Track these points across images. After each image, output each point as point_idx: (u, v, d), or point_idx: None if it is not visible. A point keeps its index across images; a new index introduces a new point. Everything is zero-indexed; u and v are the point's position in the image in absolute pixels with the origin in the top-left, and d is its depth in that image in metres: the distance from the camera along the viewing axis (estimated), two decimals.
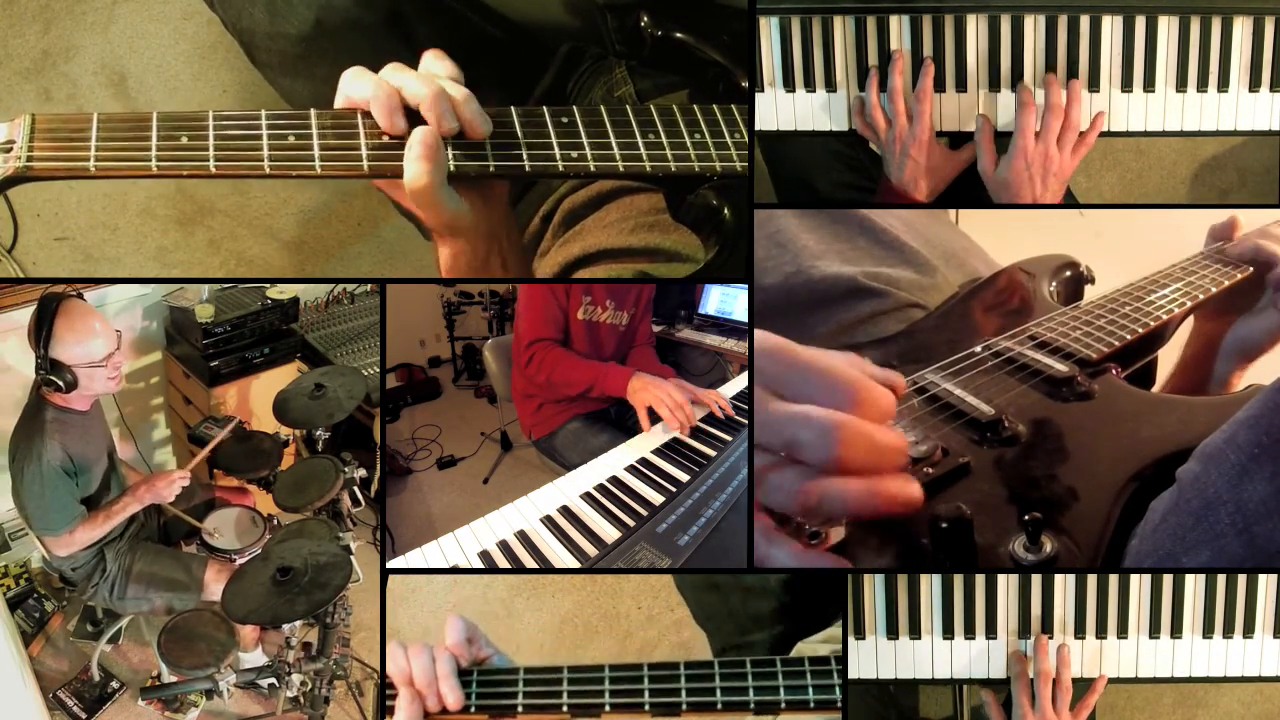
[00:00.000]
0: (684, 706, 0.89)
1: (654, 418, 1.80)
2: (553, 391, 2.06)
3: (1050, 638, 1.34)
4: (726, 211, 1.18)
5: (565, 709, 0.90)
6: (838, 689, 0.90)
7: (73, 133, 0.97)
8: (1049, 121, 1.31)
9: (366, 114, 1.04)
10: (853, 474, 0.74)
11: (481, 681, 0.91)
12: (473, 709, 0.90)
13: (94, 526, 1.76)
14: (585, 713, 0.90)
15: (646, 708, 0.89)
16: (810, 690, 0.90)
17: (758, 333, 0.80)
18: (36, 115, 0.98)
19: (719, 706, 0.89)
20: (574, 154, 1.08)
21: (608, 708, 0.89)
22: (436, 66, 1.08)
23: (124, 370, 2.35)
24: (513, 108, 1.11)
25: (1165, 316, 1.22)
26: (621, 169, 1.10)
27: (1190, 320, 1.36)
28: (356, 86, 1.05)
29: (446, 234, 1.09)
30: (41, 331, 1.65)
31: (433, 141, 1.01)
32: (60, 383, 1.66)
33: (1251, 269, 1.31)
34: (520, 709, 0.90)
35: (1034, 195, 1.31)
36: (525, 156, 1.07)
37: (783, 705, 0.89)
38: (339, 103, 1.07)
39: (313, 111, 1.04)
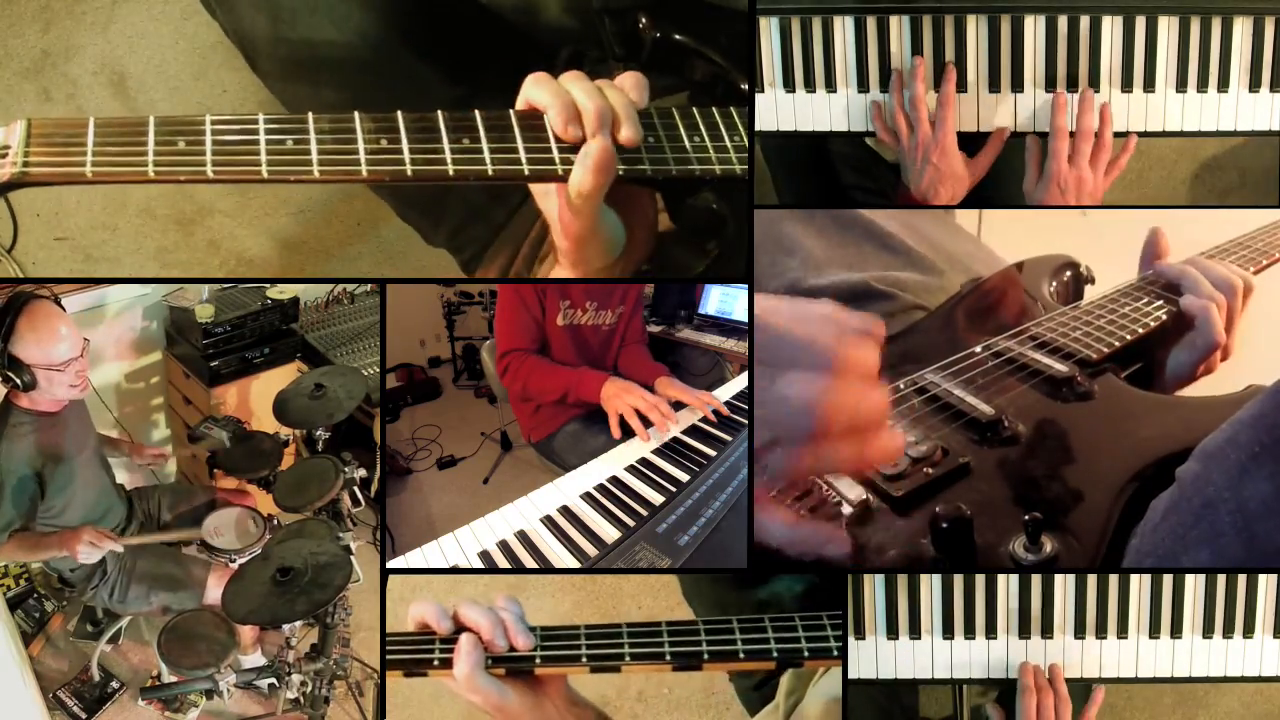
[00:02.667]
0: (705, 656, 0.89)
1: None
2: (534, 398, 2.05)
3: (1050, 637, 1.34)
4: (727, 214, 1.18)
5: (584, 660, 0.90)
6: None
7: (69, 137, 0.97)
8: (1080, 146, 1.31)
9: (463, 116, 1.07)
10: (839, 439, 0.75)
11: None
12: (489, 663, 0.90)
13: (17, 549, 1.71)
14: (605, 664, 0.90)
15: (667, 657, 0.89)
16: (831, 640, 0.90)
17: (759, 297, 0.80)
18: (33, 120, 0.97)
19: (741, 656, 0.89)
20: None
21: (628, 658, 0.89)
22: (625, 82, 1.12)
23: (123, 370, 2.38)
24: (511, 111, 1.11)
25: (1165, 317, 1.22)
26: (621, 172, 1.10)
27: None
28: (538, 93, 1.09)
29: (576, 255, 1.12)
30: (1, 327, 1.64)
31: (605, 154, 1.05)
32: (18, 381, 1.65)
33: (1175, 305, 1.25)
34: (538, 661, 0.90)
35: (1070, 205, 1.32)
36: (524, 160, 1.07)
37: (806, 654, 0.89)
38: (520, 105, 1.10)
39: (310, 115, 1.04)
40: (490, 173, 1.05)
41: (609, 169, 1.05)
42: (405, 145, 1.04)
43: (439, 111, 1.08)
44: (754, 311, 0.79)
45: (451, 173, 1.05)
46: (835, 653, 0.90)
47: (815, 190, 1.65)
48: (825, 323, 0.78)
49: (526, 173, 1.06)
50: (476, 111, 1.08)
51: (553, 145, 1.07)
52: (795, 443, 0.75)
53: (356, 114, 1.05)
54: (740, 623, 0.91)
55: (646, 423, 1.74)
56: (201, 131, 1.00)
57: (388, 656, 0.90)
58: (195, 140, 1.00)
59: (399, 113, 1.06)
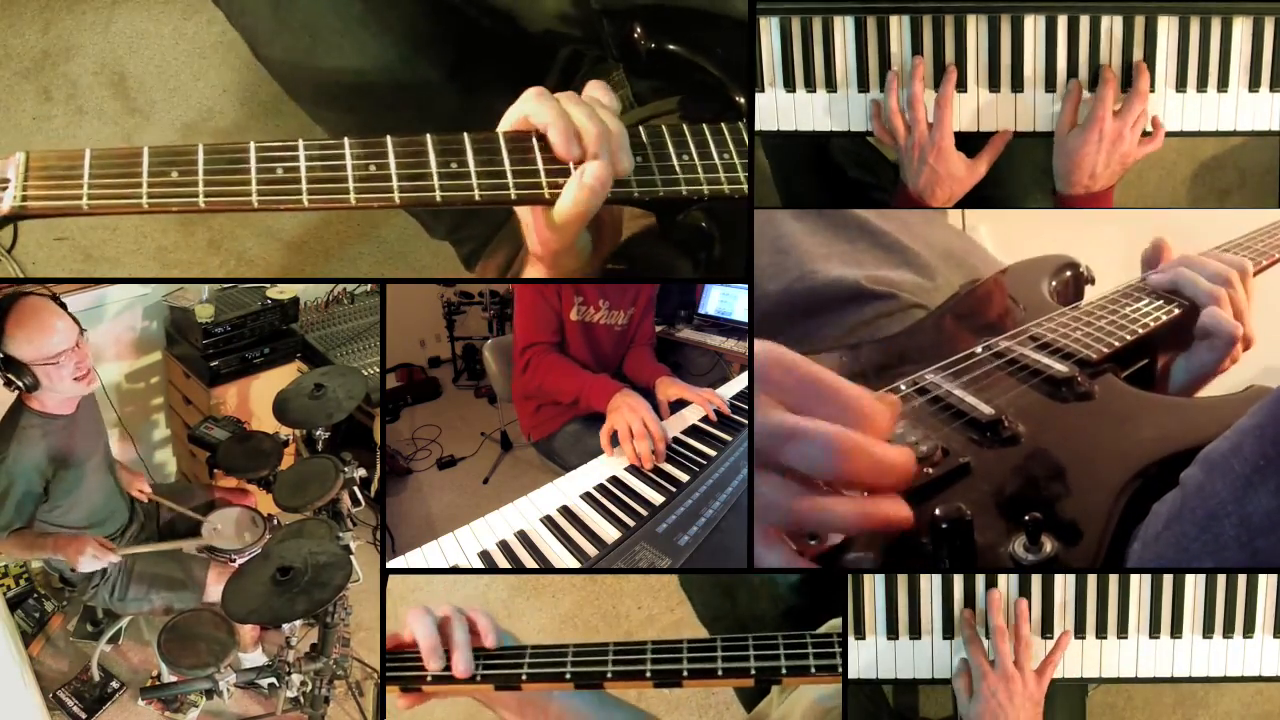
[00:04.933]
0: (685, 673, 0.91)
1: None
2: (547, 397, 2.05)
3: (1049, 637, 1.33)
4: (716, 234, 1.19)
5: (568, 677, 0.92)
6: (839, 657, 0.91)
7: (66, 170, 0.99)
8: (1132, 103, 1.31)
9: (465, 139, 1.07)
10: (855, 488, 0.75)
11: (488, 655, 0.95)
12: (478, 678, 0.93)
13: (14, 547, 1.72)
14: (588, 682, 0.92)
15: (648, 674, 0.91)
16: (811, 657, 0.91)
17: (769, 344, 0.80)
18: (30, 153, 0.99)
19: (719, 673, 0.91)
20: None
21: (610, 675, 0.92)
22: (601, 96, 1.11)
23: (123, 370, 2.38)
24: (500, 133, 1.11)
25: (1165, 317, 1.22)
26: (609, 195, 1.10)
27: None
28: (537, 111, 1.08)
29: (550, 261, 1.12)
30: None
31: (605, 177, 1.05)
32: (20, 383, 1.65)
33: (1177, 307, 1.25)
34: (525, 678, 0.92)
35: (1092, 169, 1.31)
36: (511, 184, 1.08)
37: (784, 671, 0.90)
38: (512, 121, 1.10)
39: (300, 142, 1.05)
40: (478, 197, 1.07)
41: (601, 195, 1.05)
42: (393, 171, 1.06)
43: (427, 135, 1.09)
44: (782, 357, 0.79)
45: (439, 198, 1.06)
46: (814, 670, 0.91)
47: (817, 188, 1.65)
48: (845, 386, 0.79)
49: (514, 197, 1.07)
50: (465, 134, 1.09)
51: (540, 169, 1.08)
52: (806, 487, 0.75)
53: (346, 140, 1.06)
54: (723, 642, 0.93)
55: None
56: (194, 161, 1.02)
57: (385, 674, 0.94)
58: (188, 171, 1.01)
59: (388, 137, 1.07)
